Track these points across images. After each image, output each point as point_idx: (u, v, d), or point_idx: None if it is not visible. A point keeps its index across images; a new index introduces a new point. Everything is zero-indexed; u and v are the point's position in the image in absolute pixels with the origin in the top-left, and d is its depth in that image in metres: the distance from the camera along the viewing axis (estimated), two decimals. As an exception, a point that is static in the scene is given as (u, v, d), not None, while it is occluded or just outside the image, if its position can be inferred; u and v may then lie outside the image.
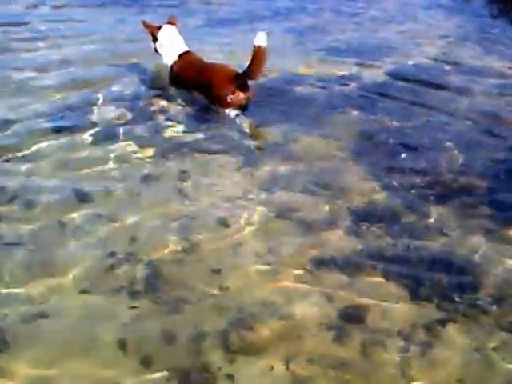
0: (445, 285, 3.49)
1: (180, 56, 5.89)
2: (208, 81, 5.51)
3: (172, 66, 5.91)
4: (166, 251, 3.71)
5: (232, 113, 5.35)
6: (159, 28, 6.01)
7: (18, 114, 5.30)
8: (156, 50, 6.05)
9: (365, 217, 4.07)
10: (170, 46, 5.95)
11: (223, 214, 4.05)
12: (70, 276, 3.49)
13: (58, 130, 5.08)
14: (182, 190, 4.32)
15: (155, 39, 6.01)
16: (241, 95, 5.41)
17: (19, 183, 4.33)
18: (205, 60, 5.83)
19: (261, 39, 5.23)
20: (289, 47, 6.96)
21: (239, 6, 8.56)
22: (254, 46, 5.23)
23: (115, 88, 5.90)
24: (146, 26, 6.05)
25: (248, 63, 5.30)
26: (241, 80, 5.38)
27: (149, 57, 6.26)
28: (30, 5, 8.46)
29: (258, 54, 5.25)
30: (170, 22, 6.05)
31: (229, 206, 4.15)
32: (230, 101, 5.41)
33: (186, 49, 5.94)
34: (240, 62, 5.63)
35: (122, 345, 3.06)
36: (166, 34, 5.98)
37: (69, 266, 3.57)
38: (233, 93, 5.40)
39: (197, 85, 5.64)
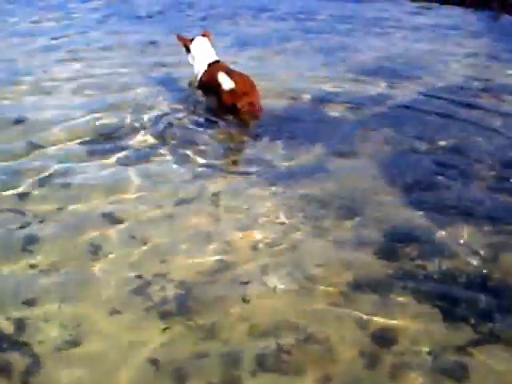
0: (479, 306, 3.44)
1: (209, 65, 6.00)
2: (218, 87, 5.64)
3: (201, 76, 6.02)
4: (197, 272, 3.70)
5: (263, 134, 5.37)
6: (192, 40, 6.15)
7: (49, 127, 5.46)
8: (190, 62, 6.19)
9: (397, 237, 4.03)
10: (201, 56, 6.07)
11: (255, 235, 4.05)
12: (102, 298, 3.51)
13: (89, 151, 5.14)
14: (214, 211, 4.32)
15: (188, 51, 6.12)
16: (245, 106, 5.53)
17: (51, 205, 4.37)
18: (229, 68, 5.93)
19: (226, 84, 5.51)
20: (318, 66, 6.97)
21: (268, 26, 8.59)
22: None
23: (146, 107, 5.96)
24: (180, 38, 6.24)
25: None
26: (249, 91, 5.54)
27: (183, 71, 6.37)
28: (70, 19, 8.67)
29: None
30: (203, 35, 6.20)
31: (260, 227, 4.14)
32: (234, 109, 5.56)
33: (215, 58, 6.05)
34: (268, 82, 5.78)
35: (155, 366, 3.06)
36: (198, 45, 6.12)
37: (100, 288, 3.59)
38: (232, 103, 5.53)
39: (214, 92, 5.75)
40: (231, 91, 5.55)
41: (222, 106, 5.66)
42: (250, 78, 5.71)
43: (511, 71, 6.95)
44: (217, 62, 6.04)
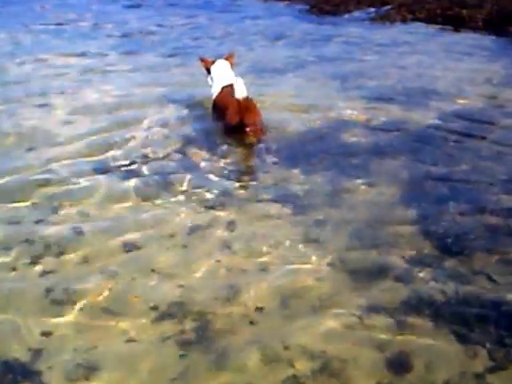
0: (495, 331, 3.42)
1: (222, 88, 6.16)
2: (226, 108, 5.84)
3: (214, 97, 6.20)
4: (213, 301, 3.71)
5: (279, 158, 5.42)
6: (213, 62, 6.36)
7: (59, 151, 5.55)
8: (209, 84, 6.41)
9: (413, 263, 4.03)
10: (218, 79, 6.26)
11: (270, 264, 4.05)
12: (119, 327, 3.53)
13: (100, 172, 5.23)
14: (229, 240, 4.33)
15: (209, 73, 6.35)
16: (245, 128, 5.70)
17: (63, 231, 4.41)
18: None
19: (239, 91, 5.59)
20: (334, 93, 7.01)
21: (284, 53, 8.66)
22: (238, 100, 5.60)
23: (158, 130, 6.05)
24: (202, 60, 6.48)
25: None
26: (249, 113, 5.71)
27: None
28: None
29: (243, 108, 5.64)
30: (226, 58, 6.43)
31: (276, 256, 4.15)
32: (233, 131, 5.77)
33: (231, 82, 6.13)
34: (284, 107, 5.97)
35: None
36: (218, 68, 6.33)
37: (117, 316, 3.61)
38: (235, 124, 5.69)
39: (223, 112, 5.92)
40: (237, 110, 5.68)
41: (228, 126, 5.81)
42: (252, 101, 5.84)
43: (526, 95, 6.97)
44: (230, 85, 6.13)
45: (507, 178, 5.11)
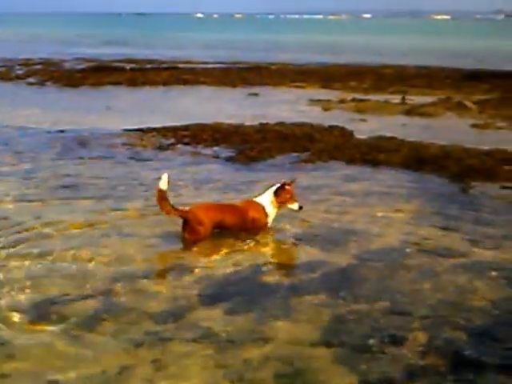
0: None
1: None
2: None
3: None
4: None
5: (202, 299, 5.60)
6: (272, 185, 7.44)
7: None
8: None
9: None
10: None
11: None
12: None
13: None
14: (155, 380, 4.42)
15: None
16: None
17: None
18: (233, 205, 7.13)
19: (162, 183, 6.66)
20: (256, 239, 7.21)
21: (208, 198, 8.82)
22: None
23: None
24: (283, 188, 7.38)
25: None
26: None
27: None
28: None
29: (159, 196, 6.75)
30: (287, 183, 7.31)
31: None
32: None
33: (258, 200, 7.23)
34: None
35: None
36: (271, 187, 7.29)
37: None
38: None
39: None
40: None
41: None
42: (202, 209, 6.91)
43: (441, 233, 7.31)
44: (251, 201, 7.24)
45: (424, 313, 5.42)
